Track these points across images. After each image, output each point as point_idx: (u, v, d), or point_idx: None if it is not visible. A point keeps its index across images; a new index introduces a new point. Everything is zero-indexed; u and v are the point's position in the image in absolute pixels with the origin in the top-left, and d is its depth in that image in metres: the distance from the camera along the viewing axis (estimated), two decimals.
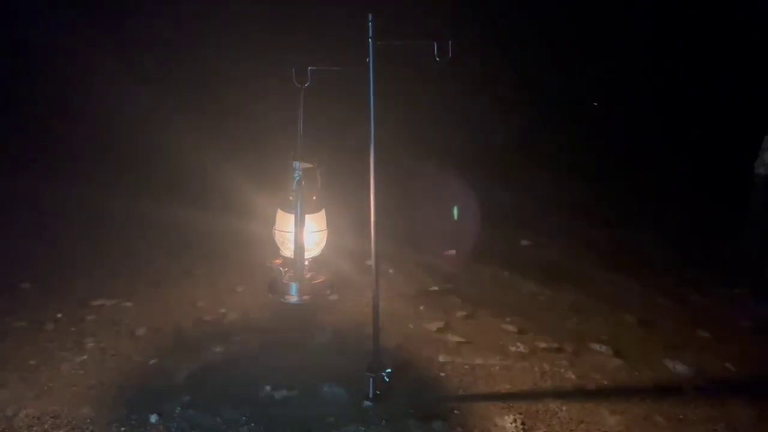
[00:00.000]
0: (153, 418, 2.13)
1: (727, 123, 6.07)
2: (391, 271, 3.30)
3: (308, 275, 2.28)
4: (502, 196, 4.57)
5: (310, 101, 2.22)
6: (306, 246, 2.25)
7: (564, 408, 2.25)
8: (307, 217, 2.25)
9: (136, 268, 3.31)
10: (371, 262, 2.20)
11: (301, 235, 2.23)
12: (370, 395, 2.24)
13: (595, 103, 6.34)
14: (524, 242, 3.84)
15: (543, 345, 2.66)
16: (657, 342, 2.70)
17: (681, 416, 2.22)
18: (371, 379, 2.23)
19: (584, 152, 5.66)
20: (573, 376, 2.44)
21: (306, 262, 2.27)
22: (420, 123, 5.73)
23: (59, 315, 2.81)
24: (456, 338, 2.69)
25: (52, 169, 4.79)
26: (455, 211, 4.23)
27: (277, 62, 2.74)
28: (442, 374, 2.44)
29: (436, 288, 3.17)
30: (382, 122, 2.11)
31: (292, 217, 2.23)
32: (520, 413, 2.21)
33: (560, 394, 2.32)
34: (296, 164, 2.23)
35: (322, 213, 2.33)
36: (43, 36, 5.70)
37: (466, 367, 2.49)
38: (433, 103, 6.01)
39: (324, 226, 2.33)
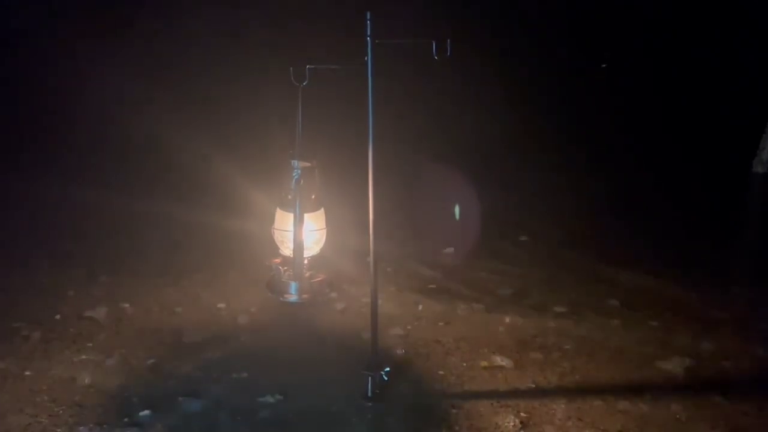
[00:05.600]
0: (149, 418, 2.13)
1: (726, 120, 6.07)
2: (389, 269, 3.30)
3: (307, 274, 2.29)
4: (499, 193, 4.56)
5: (310, 98, 2.22)
6: (305, 245, 2.26)
7: (563, 407, 2.25)
8: (306, 215, 2.25)
9: (133, 267, 3.30)
10: (370, 260, 2.20)
11: (300, 233, 2.23)
12: (369, 394, 2.24)
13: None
14: (523, 238, 3.84)
15: (543, 343, 2.66)
16: (656, 341, 2.70)
17: (678, 415, 2.22)
18: (369, 378, 2.23)
19: (581, 150, 5.66)
20: (573, 375, 2.45)
21: (305, 261, 2.27)
22: (420, 120, 5.73)
23: (57, 316, 2.80)
24: (455, 336, 2.69)
25: (45, 166, 4.76)
26: (456, 210, 4.22)
27: (277, 60, 2.74)
28: (441, 373, 2.44)
29: (434, 286, 3.17)
30: (382, 120, 2.11)
31: (291, 216, 2.23)
32: (519, 412, 2.21)
33: (560, 393, 2.33)
34: (295, 163, 2.24)
35: (321, 212, 2.33)
36: (37, 31, 5.69)
37: (464, 365, 2.49)
38: (433, 101, 6.00)
39: (323, 224, 2.34)
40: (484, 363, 2.51)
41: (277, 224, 2.32)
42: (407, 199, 4.21)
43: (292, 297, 2.31)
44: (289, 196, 2.23)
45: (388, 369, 2.26)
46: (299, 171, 2.22)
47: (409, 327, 2.77)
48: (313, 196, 2.28)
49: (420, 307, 2.96)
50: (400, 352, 2.57)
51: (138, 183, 4.53)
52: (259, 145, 4.18)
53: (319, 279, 2.32)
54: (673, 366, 2.52)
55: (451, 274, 3.30)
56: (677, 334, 2.76)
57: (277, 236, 2.32)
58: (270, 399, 2.24)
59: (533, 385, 2.38)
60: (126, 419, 2.12)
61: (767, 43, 6.27)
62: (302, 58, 2.19)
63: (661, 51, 7.06)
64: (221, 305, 2.93)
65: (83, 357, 2.49)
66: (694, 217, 4.32)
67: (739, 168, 5.30)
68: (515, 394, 2.32)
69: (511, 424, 2.16)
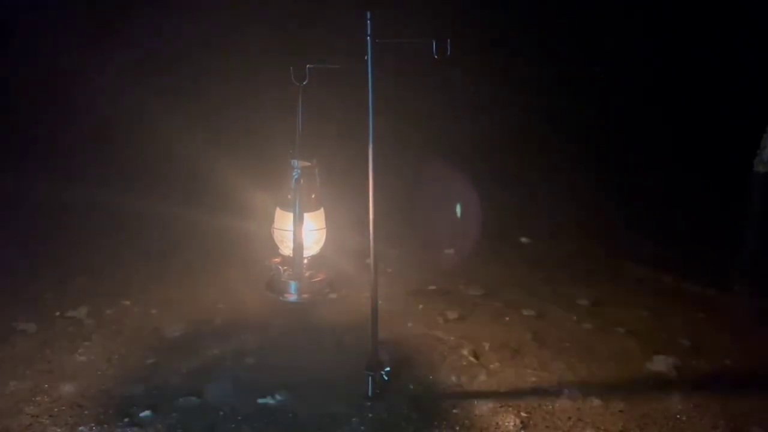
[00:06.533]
0: (149, 418, 2.13)
1: (726, 120, 6.06)
2: (389, 269, 3.30)
3: (307, 274, 2.28)
4: (500, 194, 4.56)
5: (310, 97, 2.21)
6: (305, 244, 2.25)
7: (564, 407, 2.25)
8: (306, 215, 2.25)
9: (133, 267, 3.30)
10: (370, 260, 2.19)
11: (300, 233, 2.23)
12: (369, 394, 2.24)
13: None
14: (523, 240, 3.84)
15: (544, 343, 2.66)
16: (657, 340, 2.70)
17: (678, 415, 2.22)
18: (370, 378, 2.23)
19: (581, 150, 5.65)
20: (573, 375, 2.44)
21: (305, 261, 2.27)
22: (420, 119, 5.72)
23: (57, 314, 2.80)
24: (455, 336, 2.69)
25: (44, 166, 4.76)
26: (458, 209, 4.22)
27: (277, 60, 2.73)
28: (441, 372, 2.44)
29: (434, 287, 3.17)
30: (383, 119, 2.10)
31: (290, 216, 2.23)
32: (520, 412, 2.21)
33: (560, 393, 2.32)
34: (294, 162, 2.23)
35: (321, 211, 2.33)
36: (37, 29, 5.67)
37: (464, 365, 2.49)
38: (432, 100, 6.00)
39: (323, 224, 2.33)
40: (484, 362, 2.51)
41: (276, 224, 2.31)
42: (407, 199, 4.20)
43: (292, 297, 2.30)
44: (289, 196, 2.22)
45: (388, 369, 2.26)
46: (299, 170, 2.22)
47: (409, 325, 2.77)
48: (313, 196, 2.27)
49: (420, 307, 2.96)
50: (400, 352, 2.57)
51: (138, 183, 4.53)
52: (259, 145, 4.18)
53: (319, 279, 2.31)
54: (674, 366, 2.52)
55: (451, 274, 3.30)
56: (679, 334, 2.75)
57: (277, 236, 2.32)
58: (270, 399, 2.24)
59: (533, 385, 2.37)
60: (126, 419, 2.12)
61: (767, 43, 6.26)
62: (302, 58, 2.19)
63: (661, 51, 7.05)
64: (221, 305, 2.93)
65: (83, 356, 2.49)
66: (695, 216, 4.31)
67: (740, 168, 5.30)
68: (515, 394, 2.31)
69: (511, 424, 2.15)
